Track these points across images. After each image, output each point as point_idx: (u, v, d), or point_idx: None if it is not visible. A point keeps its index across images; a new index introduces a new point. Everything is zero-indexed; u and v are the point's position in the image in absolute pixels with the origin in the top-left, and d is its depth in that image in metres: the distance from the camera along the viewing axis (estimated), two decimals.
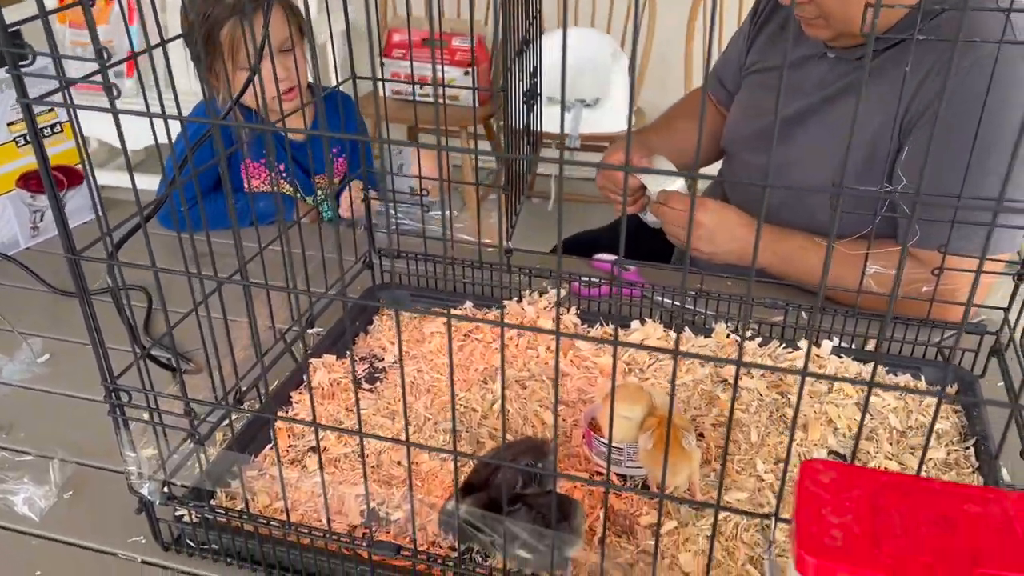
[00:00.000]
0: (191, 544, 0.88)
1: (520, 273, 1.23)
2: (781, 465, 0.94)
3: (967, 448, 0.95)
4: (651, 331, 1.15)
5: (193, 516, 0.86)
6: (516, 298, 1.23)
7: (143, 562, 0.88)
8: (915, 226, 1.03)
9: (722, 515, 0.87)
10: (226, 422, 0.96)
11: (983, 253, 0.59)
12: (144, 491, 0.83)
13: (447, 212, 1.18)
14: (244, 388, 0.99)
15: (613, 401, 0.62)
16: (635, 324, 1.17)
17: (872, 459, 0.94)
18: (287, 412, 1.05)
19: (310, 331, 1.18)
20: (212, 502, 0.89)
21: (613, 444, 0.92)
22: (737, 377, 0.59)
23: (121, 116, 0.65)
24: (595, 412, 0.99)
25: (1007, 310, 1.02)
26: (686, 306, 1.19)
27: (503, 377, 0.60)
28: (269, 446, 0.99)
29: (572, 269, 1.29)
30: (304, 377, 1.10)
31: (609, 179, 1.42)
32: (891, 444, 0.97)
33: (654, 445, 0.87)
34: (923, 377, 1.06)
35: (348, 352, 1.15)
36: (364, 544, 0.78)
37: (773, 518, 0.63)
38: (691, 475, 0.88)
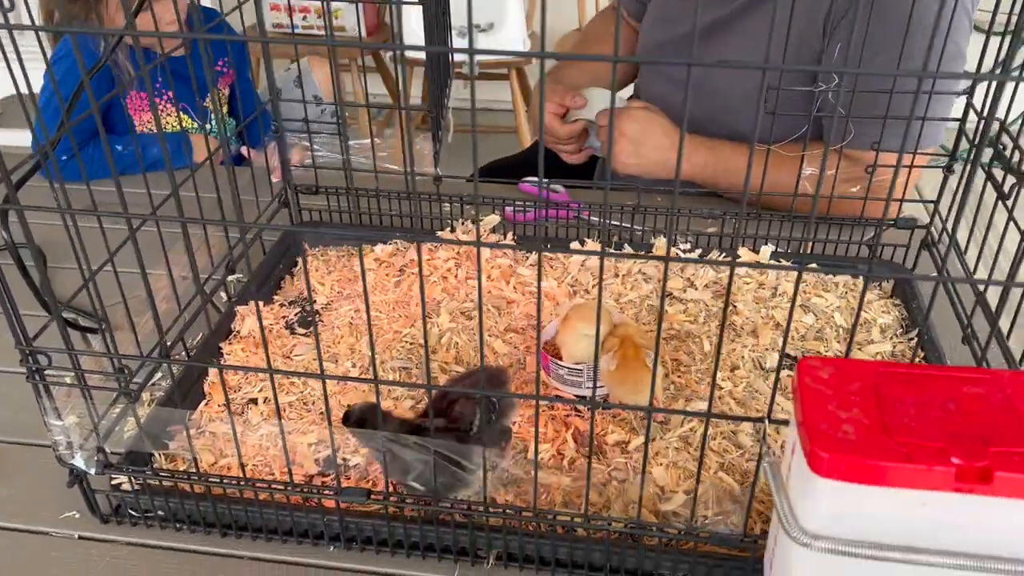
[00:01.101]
0: (133, 513, 0.81)
1: (452, 201, 1.18)
2: (737, 372, 0.94)
3: (911, 340, 0.98)
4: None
5: (134, 483, 0.79)
6: (448, 228, 1.18)
7: (81, 538, 0.80)
8: (850, 124, 1.03)
9: (688, 426, 0.87)
10: (155, 379, 0.88)
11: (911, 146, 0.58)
12: (77, 461, 0.76)
13: (373, 140, 1.11)
14: (168, 344, 0.91)
15: (599, 321, 0.59)
16: (574, 245, 1.14)
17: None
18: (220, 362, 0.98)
19: (230, 278, 1.09)
20: (152, 466, 0.82)
21: (572, 365, 0.90)
22: (731, 281, 0.56)
23: None
24: (549, 335, 0.97)
25: (936, 202, 1.04)
26: (624, 224, 1.16)
27: (480, 298, 0.56)
28: (204, 402, 0.93)
29: (500, 195, 1.24)
30: (232, 326, 1.03)
31: (550, 131, 1.37)
32: (839, 342, 0.98)
33: (617, 366, 0.85)
34: (860, 276, 1.08)
35: (306, 283, 1.08)
36: (332, 492, 0.74)
37: (765, 420, 0.62)
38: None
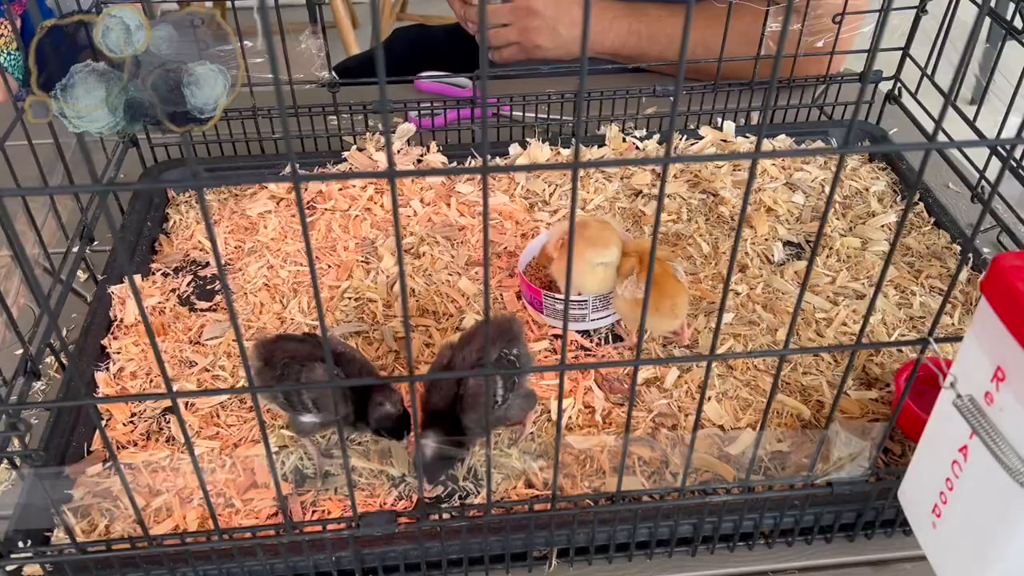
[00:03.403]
0: None
1: (353, 112, 0.95)
2: (748, 271, 0.81)
3: (914, 205, 0.89)
4: (538, 153, 0.94)
5: (45, 567, 0.56)
6: (354, 146, 0.96)
7: None
8: None
9: (725, 346, 0.74)
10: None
11: None
12: None
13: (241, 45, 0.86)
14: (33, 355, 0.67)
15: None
16: (514, 149, 0.95)
17: (835, 240, 0.84)
18: (109, 367, 0.73)
19: (89, 248, 0.83)
20: (74, 539, 0.59)
21: (575, 298, 0.74)
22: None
23: None
24: (529, 259, 0.80)
25: (906, 48, 0.94)
26: (565, 117, 0.99)
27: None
28: (104, 424, 0.69)
29: (395, 98, 1.02)
30: (111, 314, 0.78)
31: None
32: (838, 219, 0.88)
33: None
34: (834, 140, 0.97)
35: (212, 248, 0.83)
36: (348, 524, 0.54)
37: (930, 341, 0.49)
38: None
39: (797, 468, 0.65)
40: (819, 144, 0.97)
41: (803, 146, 0.97)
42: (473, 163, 0.94)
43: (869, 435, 0.56)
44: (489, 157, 0.95)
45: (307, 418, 0.62)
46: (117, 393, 0.71)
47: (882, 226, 0.86)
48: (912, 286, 0.79)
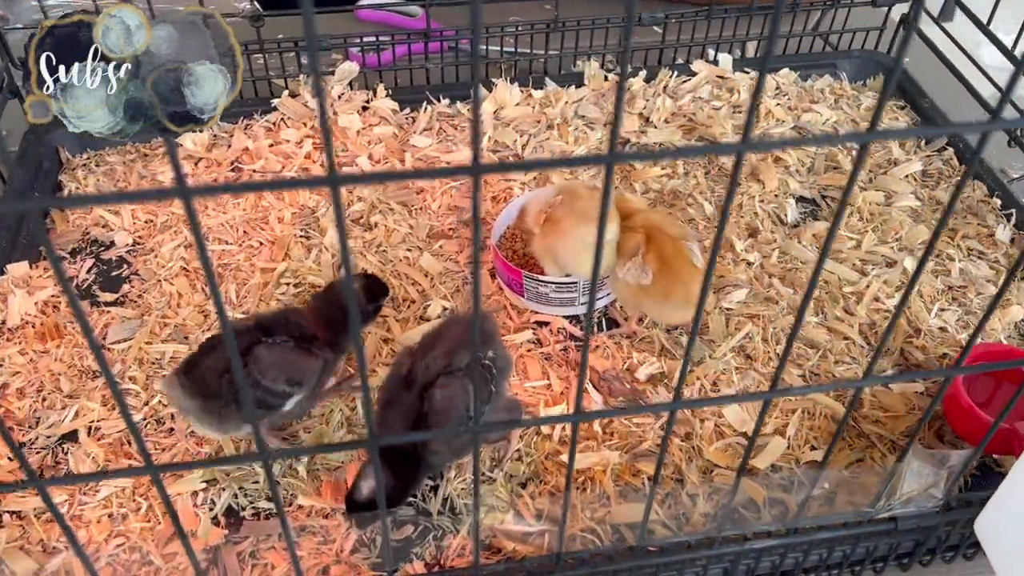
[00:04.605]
0: None
1: (282, 51, 0.79)
2: (760, 237, 0.69)
3: (941, 151, 0.77)
4: (505, 96, 0.80)
5: None
6: (286, 92, 0.80)
7: None
8: None
9: (743, 331, 0.62)
10: None
11: None
12: None
13: None
14: None
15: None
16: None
17: (856, 196, 0.72)
18: None
19: None
20: None
21: (561, 279, 0.61)
22: None
23: None
24: (501, 230, 0.67)
25: None
26: (534, 51, 0.84)
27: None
28: None
29: (332, 32, 0.85)
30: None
31: None
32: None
33: (655, 276, 0.57)
34: (844, 74, 0.85)
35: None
36: None
37: None
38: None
39: (837, 482, 0.54)
40: (827, 79, 0.84)
41: (809, 81, 0.84)
42: (430, 109, 0.79)
43: (946, 464, 0.46)
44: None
45: (292, 403, 0.52)
46: (1, 416, 0.57)
47: (906, 176, 0.75)
48: (948, 249, 0.68)
